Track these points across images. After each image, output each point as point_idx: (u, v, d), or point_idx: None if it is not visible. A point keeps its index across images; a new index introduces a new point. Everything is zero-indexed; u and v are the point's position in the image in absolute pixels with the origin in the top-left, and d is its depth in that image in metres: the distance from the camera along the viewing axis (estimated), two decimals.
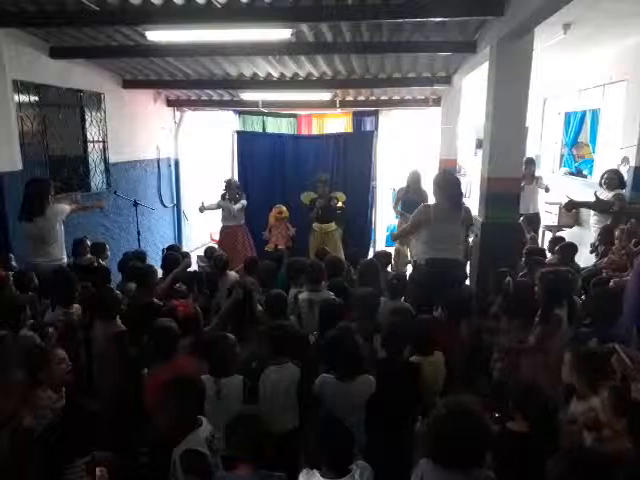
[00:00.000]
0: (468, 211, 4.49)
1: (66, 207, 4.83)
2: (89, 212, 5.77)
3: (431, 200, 4.78)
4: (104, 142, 7.11)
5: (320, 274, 4.03)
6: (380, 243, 8.75)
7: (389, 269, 5.35)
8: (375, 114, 9.16)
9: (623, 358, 2.12)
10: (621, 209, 5.00)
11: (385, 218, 9.17)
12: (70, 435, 2.03)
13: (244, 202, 7.18)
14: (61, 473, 2.05)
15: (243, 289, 3.78)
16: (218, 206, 7.18)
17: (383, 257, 5.18)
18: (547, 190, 6.87)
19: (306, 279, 4.05)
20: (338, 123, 9.51)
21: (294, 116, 9.66)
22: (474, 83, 6.90)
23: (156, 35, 4.77)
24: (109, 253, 5.36)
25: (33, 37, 5.54)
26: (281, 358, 2.87)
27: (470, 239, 4.83)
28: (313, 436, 2.24)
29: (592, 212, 5.57)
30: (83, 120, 6.68)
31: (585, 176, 7.52)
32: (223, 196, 7.19)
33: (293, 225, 7.16)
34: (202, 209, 7.19)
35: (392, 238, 6.50)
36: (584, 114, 7.61)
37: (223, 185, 7.27)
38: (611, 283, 3.62)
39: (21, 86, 5.47)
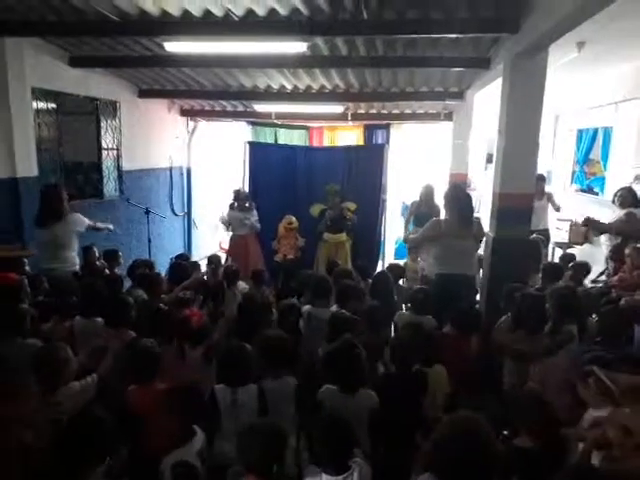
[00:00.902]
0: (480, 225, 4.47)
1: (86, 220, 4.86)
2: (101, 232, 5.73)
3: (443, 214, 4.77)
4: (118, 150, 7.20)
5: (325, 290, 3.93)
6: (389, 257, 8.72)
7: (401, 282, 5.31)
8: (387, 127, 9.17)
9: (604, 380, 2.08)
10: (617, 229, 4.98)
11: (394, 232, 9.13)
12: (85, 443, 2.01)
13: (255, 213, 7.22)
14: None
15: (249, 299, 3.80)
16: (229, 217, 7.21)
17: (396, 270, 5.07)
18: (558, 209, 6.84)
19: (310, 293, 4.01)
20: (350, 136, 9.52)
21: (306, 128, 9.69)
22: (486, 97, 6.91)
23: (174, 46, 4.84)
24: (122, 260, 5.39)
25: (53, 46, 5.66)
26: (277, 371, 2.85)
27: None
28: (314, 428, 2.22)
29: None
30: (98, 128, 6.78)
31: (596, 193, 7.49)
32: (231, 206, 7.23)
33: (302, 236, 7.18)
34: (225, 223, 7.25)
35: (405, 240, 6.34)
36: (596, 131, 7.60)
37: (232, 195, 7.32)
38: (622, 301, 3.60)
39: (39, 93, 5.58)
